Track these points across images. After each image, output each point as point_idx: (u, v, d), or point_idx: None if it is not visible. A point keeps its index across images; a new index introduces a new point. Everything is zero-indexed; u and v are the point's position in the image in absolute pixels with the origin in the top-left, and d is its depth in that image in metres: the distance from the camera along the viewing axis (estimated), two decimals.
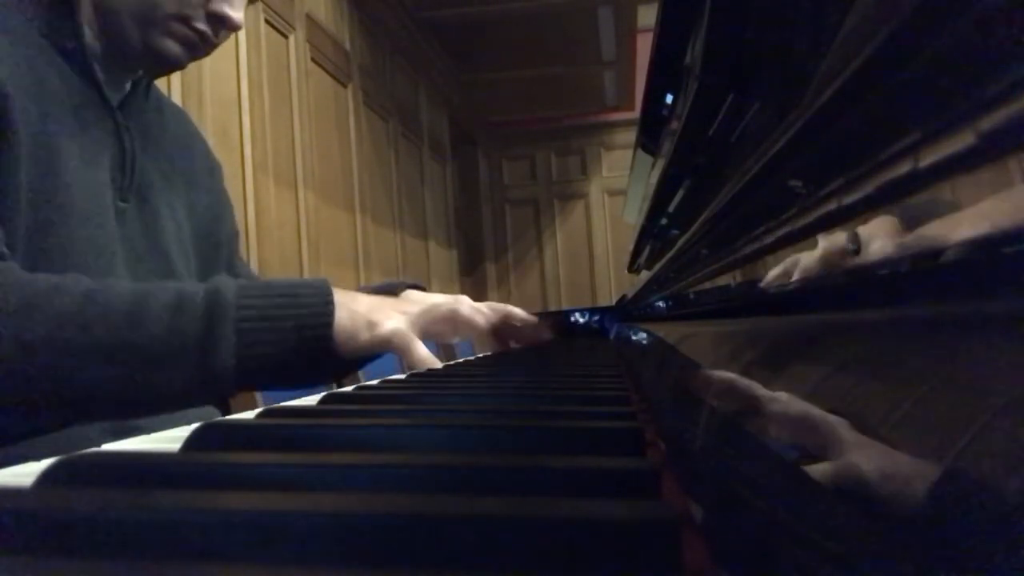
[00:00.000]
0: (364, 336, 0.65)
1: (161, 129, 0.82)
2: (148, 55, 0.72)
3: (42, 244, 0.63)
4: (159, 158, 0.79)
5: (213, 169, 0.93)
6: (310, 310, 0.62)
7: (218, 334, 0.58)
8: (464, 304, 0.77)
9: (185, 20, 0.71)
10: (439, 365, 0.70)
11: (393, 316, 0.68)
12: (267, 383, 0.66)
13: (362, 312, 0.66)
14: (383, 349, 0.67)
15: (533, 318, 0.93)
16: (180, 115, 0.90)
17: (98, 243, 0.67)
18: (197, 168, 0.87)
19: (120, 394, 0.56)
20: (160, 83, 0.90)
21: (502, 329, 0.85)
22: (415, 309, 0.72)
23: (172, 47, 0.72)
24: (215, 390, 0.60)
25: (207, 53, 0.76)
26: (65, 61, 0.68)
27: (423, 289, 0.90)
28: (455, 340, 0.92)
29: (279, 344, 0.60)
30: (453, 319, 0.75)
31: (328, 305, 0.63)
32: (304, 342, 0.61)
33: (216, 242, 0.88)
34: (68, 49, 0.68)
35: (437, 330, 0.74)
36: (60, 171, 0.64)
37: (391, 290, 0.85)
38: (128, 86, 0.76)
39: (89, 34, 0.70)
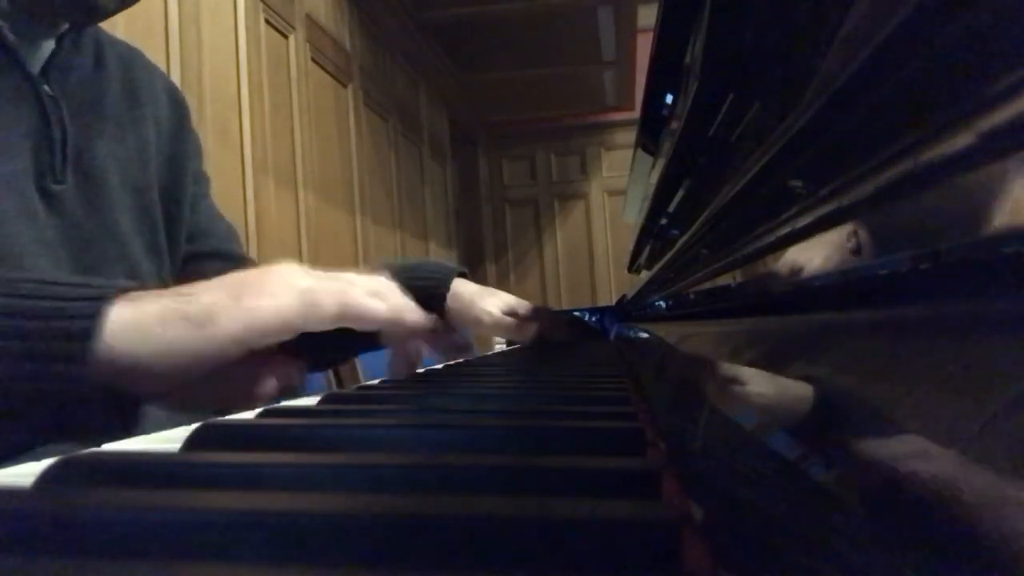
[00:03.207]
0: (226, 314, 0.41)
1: (103, 82, 0.69)
2: (65, 4, 0.61)
3: None
4: (102, 120, 0.68)
5: (175, 105, 0.79)
6: (49, 324, 0.38)
7: None
8: (358, 287, 0.48)
9: None
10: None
11: (281, 275, 0.44)
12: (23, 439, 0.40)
13: (182, 309, 0.41)
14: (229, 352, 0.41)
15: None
16: (128, 59, 0.75)
17: (19, 244, 0.55)
18: (155, 113, 0.75)
19: None
20: None
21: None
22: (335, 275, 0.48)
23: None
24: None
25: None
26: None
27: (467, 277, 0.83)
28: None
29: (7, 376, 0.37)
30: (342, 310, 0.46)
31: (89, 311, 0.38)
32: (43, 377, 0.37)
33: (180, 195, 0.76)
34: None
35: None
36: None
37: (432, 280, 0.78)
38: (52, 44, 0.64)
39: None
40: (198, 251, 0.79)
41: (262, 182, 1.98)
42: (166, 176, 0.75)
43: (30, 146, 0.59)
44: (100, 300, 0.39)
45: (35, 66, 0.62)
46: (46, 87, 0.61)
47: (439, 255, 3.85)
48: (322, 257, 2.34)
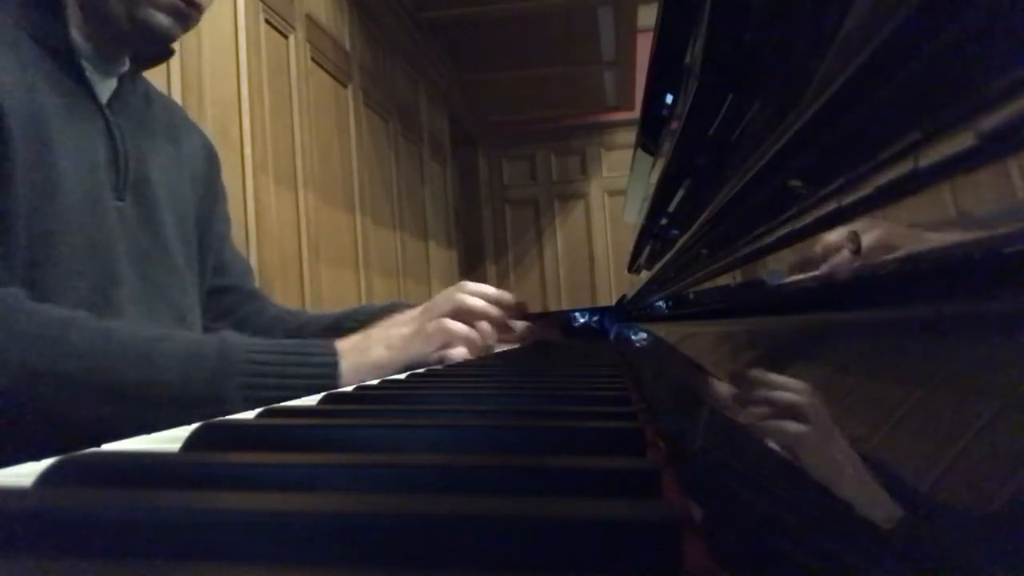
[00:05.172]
0: (388, 364, 0.73)
1: (152, 122, 0.81)
2: (138, 32, 0.71)
3: (43, 254, 0.63)
4: (152, 151, 0.79)
5: (209, 156, 0.93)
6: (315, 370, 0.67)
7: (225, 389, 0.62)
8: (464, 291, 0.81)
9: None
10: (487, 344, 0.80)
11: (404, 325, 0.76)
12: None
13: (376, 347, 0.73)
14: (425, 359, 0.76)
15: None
16: (169, 105, 0.89)
17: (99, 246, 0.68)
18: (191, 156, 0.87)
19: (122, 432, 0.53)
20: (159, 81, 0.91)
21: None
22: (422, 307, 0.80)
23: (161, 19, 0.71)
24: None
25: (196, 21, 0.76)
26: (54, 62, 0.67)
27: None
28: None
29: (286, 398, 0.61)
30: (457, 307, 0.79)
31: (333, 367, 0.68)
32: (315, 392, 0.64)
33: (210, 231, 0.89)
34: (57, 50, 0.68)
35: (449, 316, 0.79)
36: (57, 179, 0.64)
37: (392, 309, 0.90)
38: (115, 83, 0.75)
39: (76, 33, 0.70)
40: (217, 285, 0.93)
41: (262, 182, 1.98)
42: (200, 210, 0.88)
43: (103, 165, 0.71)
44: (336, 364, 0.68)
45: (103, 99, 0.73)
46: (112, 117, 0.73)
47: (439, 255, 3.85)
48: (322, 256, 2.34)
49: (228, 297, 0.94)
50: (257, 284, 1.05)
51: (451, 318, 0.78)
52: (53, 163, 0.64)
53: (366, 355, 0.72)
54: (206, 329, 0.92)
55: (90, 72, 0.71)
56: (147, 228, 0.76)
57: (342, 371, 0.68)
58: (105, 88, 0.74)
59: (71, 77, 0.69)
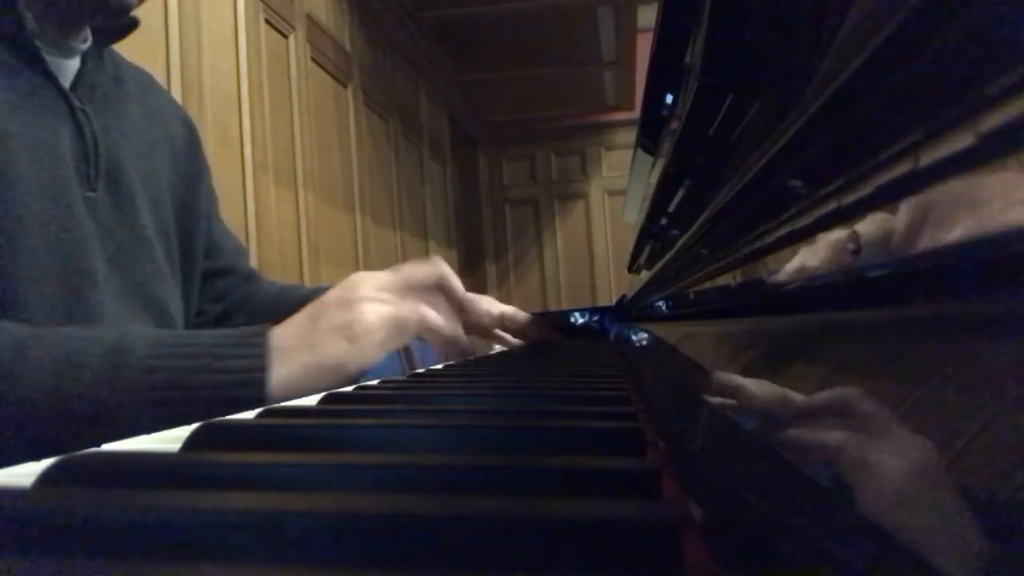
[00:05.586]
0: (353, 360, 0.57)
1: (124, 100, 0.75)
2: (94, 5, 0.66)
3: (4, 258, 0.57)
4: (126, 133, 0.73)
5: (189, 132, 0.86)
6: (235, 376, 0.52)
7: (115, 404, 0.49)
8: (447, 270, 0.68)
9: None
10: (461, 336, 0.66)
11: (370, 304, 0.59)
12: None
13: (331, 340, 0.56)
14: (387, 348, 0.59)
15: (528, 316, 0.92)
16: (143, 79, 0.82)
17: (69, 243, 0.62)
18: (170, 135, 0.81)
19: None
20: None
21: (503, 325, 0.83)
22: (391, 278, 0.62)
23: None
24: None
25: None
26: (6, 49, 0.62)
27: None
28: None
29: (198, 414, 0.48)
30: (439, 285, 0.67)
31: (258, 372, 0.53)
32: (233, 408, 0.48)
33: (196, 212, 0.83)
34: (9, 35, 0.62)
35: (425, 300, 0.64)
36: (12, 176, 0.58)
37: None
38: (78, 62, 0.69)
39: (26, 13, 0.63)
40: (211, 268, 0.86)
41: (262, 182, 1.98)
42: (182, 193, 0.81)
43: (70, 156, 0.64)
44: (261, 371, 0.53)
45: (65, 82, 0.66)
46: (77, 102, 0.66)
47: (439, 255, 3.85)
48: (322, 256, 2.34)
49: (223, 280, 0.87)
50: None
51: (428, 291, 0.64)
52: (8, 160, 0.58)
53: (316, 352, 0.56)
54: (202, 312, 0.86)
55: (47, 54, 0.64)
56: (123, 219, 0.69)
57: (273, 379, 0.53)
58: (67, 70, 0.67)
59: (24, 62, 0.63)
